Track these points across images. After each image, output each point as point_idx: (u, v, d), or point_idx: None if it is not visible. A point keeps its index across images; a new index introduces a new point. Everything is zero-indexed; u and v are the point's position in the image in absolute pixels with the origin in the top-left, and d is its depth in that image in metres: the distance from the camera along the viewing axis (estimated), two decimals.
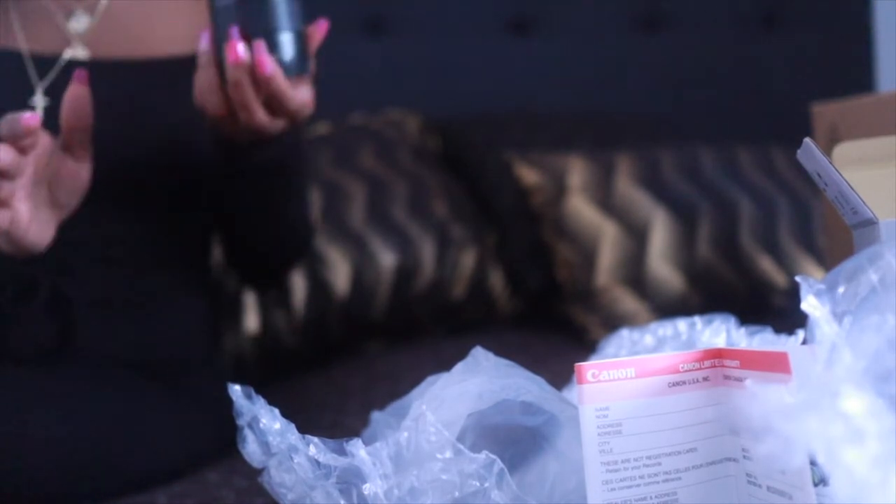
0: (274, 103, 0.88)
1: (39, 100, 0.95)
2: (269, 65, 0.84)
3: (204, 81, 0.88)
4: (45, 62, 0.97)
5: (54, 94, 0.95)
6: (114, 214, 0.97)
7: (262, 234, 1.06)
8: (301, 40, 0.86)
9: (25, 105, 0.95)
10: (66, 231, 0.95)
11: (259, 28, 0.84)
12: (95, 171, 0.94)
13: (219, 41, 0.86)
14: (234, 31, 0.84)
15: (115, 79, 0.98)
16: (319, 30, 0.89)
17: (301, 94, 0.89)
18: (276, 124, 0.90)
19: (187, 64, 1.00)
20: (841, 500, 0.41)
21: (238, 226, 1.06)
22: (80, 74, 0.83)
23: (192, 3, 1.04)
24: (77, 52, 0.98)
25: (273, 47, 0.85)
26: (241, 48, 0.84)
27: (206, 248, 1.09)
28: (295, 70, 0.86)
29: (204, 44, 0.88)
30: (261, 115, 0.88)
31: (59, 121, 0.93)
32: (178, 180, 1.00)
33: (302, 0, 0.86)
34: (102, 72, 0.97)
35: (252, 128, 0.89)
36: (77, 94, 0.83)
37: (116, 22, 1.00)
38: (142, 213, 0.98)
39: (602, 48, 1.86)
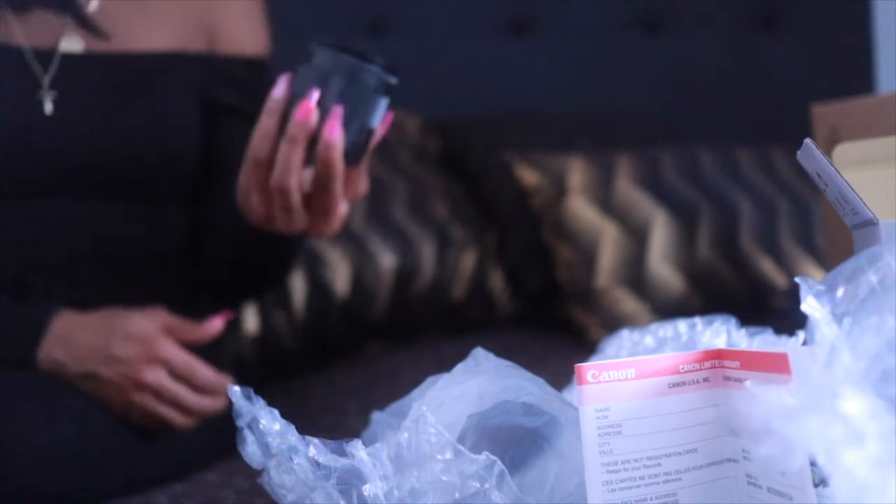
0: (317, 186, 0.86)
1: (47, 93, 0.96)
2: (336, 132, 0.83)
3: (263, 127, 0.86)
4: (43, 55, 0.97)
5: (58, 86, 0.96)
6: (102, 211, 0.98)
7: (245, 271, 1.08)
8: (368, 138, 0.85)
9: (33, 99, 0.95)
10: (56, 228, 0.95)
11: (339, 103, 0.83)
12: (86, 167, 0.95)
13: (294, 96, 0.84)
14: (314, 94, 0.82)
15: (109, 71, 0.99)
16: (384, 127, 0.87)
17: (343, 205, 0.89)
18: (300, 221, 0.89)
19: (177, 60, 1.02)
20: (841, 501, 0.41)
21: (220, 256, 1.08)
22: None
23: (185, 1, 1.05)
24: (72, 44, 0.98)
25: (343, 128, 0.83)
26: (314, 110, 0.82)
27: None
28: (350, 159, 0.85)
29: (279, 92, 0.86)
30: (296, 196, 0.86)
31: (64, 112, 0.94)
32: (167, 175, 1.01)
33: (389, 105, 0.85)
34: (95, 64, 0.98)
35: (284, 209, 0.87)
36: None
37: (110, 14, 1.01)
38: (130, 210, 0.99)
39: (602, 49, 1.86)
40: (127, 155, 0.97)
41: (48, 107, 0.95)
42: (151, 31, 1.03)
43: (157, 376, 0.89)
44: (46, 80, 0.96)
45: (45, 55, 0.97)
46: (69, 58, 0.98)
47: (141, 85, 1.00)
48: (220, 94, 1.05)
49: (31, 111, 0.95)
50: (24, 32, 0.98)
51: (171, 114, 1.01)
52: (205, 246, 1.07)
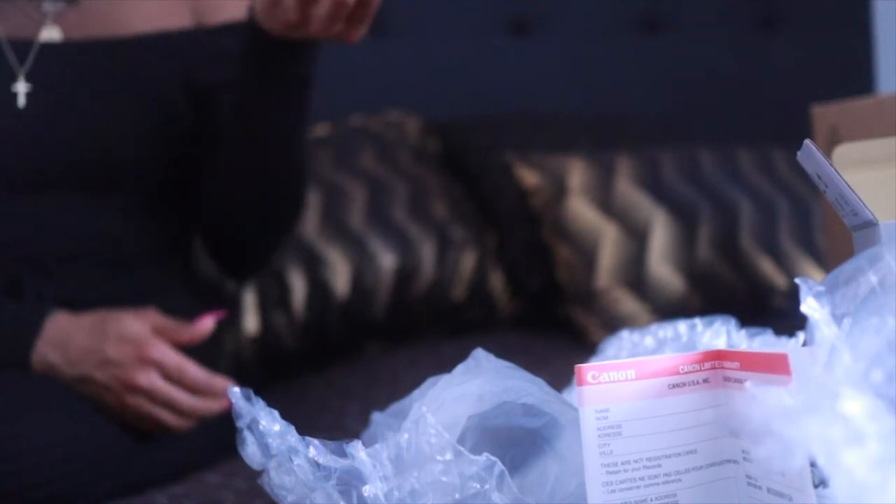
0: None
1: (22, 86, 0.95)
2: None
3: None
4: (20, 45, 0.96)
5: (34, 78, 0.95)
6: (90, 204, 0.97)
7: (264, 171, 1.01)
8: None
9: (8, 91, 0.94)
10: (44, 225, 0.94)
11: None
12: (64, 162, 0.94)
13: None
14: None
15: (87, 60, 0.98)
16: None
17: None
18: (337, 27, 0.87)
19: (161, 42, 1.00)
20: (841, 502, 0.41)
21: (241, 167, 1.01)
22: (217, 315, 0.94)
23: None
24: (52, 33, 0.97)
25: None
26: None
27: (187, 244, 1.09)
28: None
29: None
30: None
31: (38, 105, 0.94)
32: (156, 161, 1.00)
33: None
34: (73, 53, 0.97)
35: (331, 17, 0.85)
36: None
37: (89, 2, 1.00)
38: (118, 202, 0.98)
39: (602, 49, 1.86)
40: (107, 148, 0.96)
41: (21, 100, 0.94)
42: (134, 10, 1.01)
43: (149, 378, 0.89)
44: (22, 72, 0.95)
45: (22, 46, 0.96)
46: (46, 48, 0.96)
47: (122, 73, 0.98)
48: (211, 71, 1.02)
49: (4, 104, 0.94)
50: (1, 24, 0.97)
51: (156, 101, 0.99)
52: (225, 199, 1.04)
